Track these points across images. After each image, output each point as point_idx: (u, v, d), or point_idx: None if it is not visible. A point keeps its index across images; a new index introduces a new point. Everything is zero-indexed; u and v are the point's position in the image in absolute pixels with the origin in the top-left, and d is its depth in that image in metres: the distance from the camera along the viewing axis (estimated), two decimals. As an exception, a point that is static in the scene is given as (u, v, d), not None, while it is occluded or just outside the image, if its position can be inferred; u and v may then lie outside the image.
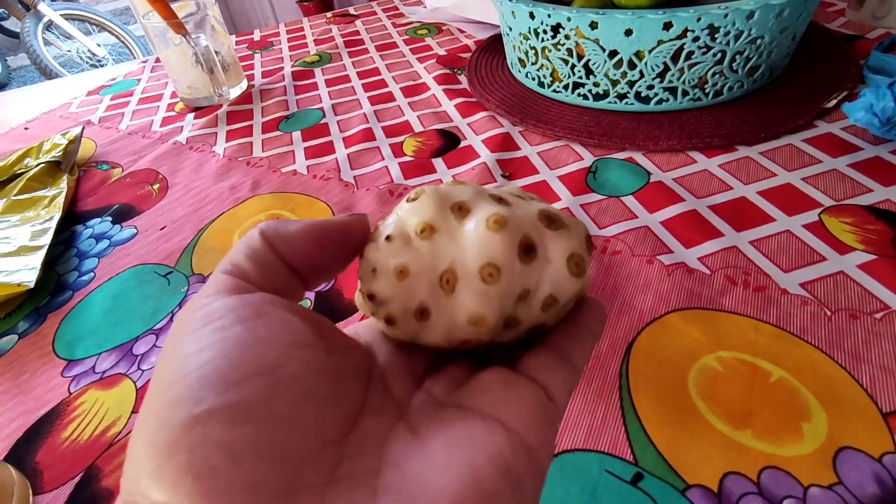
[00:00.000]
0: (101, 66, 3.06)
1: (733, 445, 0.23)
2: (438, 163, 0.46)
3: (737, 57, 0.43)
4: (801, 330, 0.28)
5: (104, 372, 0.32)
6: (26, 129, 0.64)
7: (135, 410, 0.29)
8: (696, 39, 0.41)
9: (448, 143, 0.49)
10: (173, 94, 0.67)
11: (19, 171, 0.52)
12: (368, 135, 0.52)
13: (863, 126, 0.38)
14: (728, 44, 0.42)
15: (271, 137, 0.54)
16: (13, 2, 2.93)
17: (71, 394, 0.31)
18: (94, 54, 3.08)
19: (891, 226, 0.33)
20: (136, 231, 0.43)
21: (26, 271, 0.38)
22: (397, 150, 0.49)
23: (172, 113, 0.63)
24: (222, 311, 0.12)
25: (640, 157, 0.43)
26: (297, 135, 0.54)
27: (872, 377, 0.25)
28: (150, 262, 0.39)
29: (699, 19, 0.40)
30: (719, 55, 0.43)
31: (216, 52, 0.61)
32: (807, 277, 0.31)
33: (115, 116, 0.63)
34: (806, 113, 0.44)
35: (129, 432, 0.28)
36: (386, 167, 0.46)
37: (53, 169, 0.52)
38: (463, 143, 0.48)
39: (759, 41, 0.43)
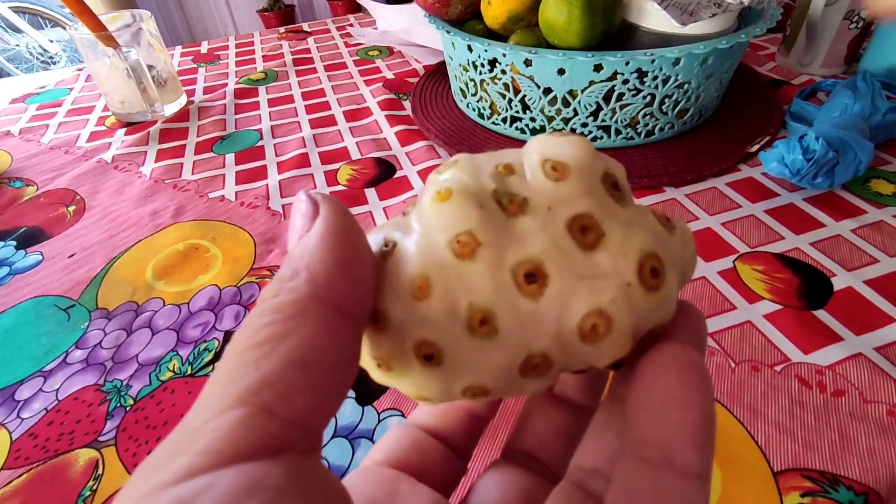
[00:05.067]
0: (54, 63, 2.94)
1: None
2: (371, 193, 0.45)
3: (666, 100, 0.44)
4: (706, 382, 0.28)
5: (-18, 418, 0.29)
6: (-61, 138, 0.60)
7: (5, 465, 0.27)
8: (625, 82, 0.42)
9: (383, 173, 0.48)
10: (105, 108, 0.64)
11: (-78, 186, 0.48)
12: (304, 160, 0.50)
13: (776, 176, 0.39)
14: (657, 87, 0.43)
15: (203, 159, 0.52)
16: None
17: (-59, 444, 0.28)
18: (45, 50, 2.95)
19: (797, 274, 0.34)
20: (41, 258, 0.40)
21: None
22: (331, 178, 0.48)
23: (102, 128, 0.60)
24: None
25: (571, 195, 0.44)
26: (230, 157, 0.52)
27: (767, 434, 0.25)
28: (52, 293, 0.37)
29: (627, 63, 0.41)
30: (649, 97, 0.44)
31: (150, 67, 0.58)
32: (717, 326, 0.31)
33: (38, 128, 0.60)
34: (730, 157, 0.45)
35: (-1, 490, 0.26)
36: (317, 196, 0.45)
37: (-39, 185, 0.48)
38: (398, 174, 0.48)
39: (686, 86, 0.44)
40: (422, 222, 0.10)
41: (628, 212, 0.10)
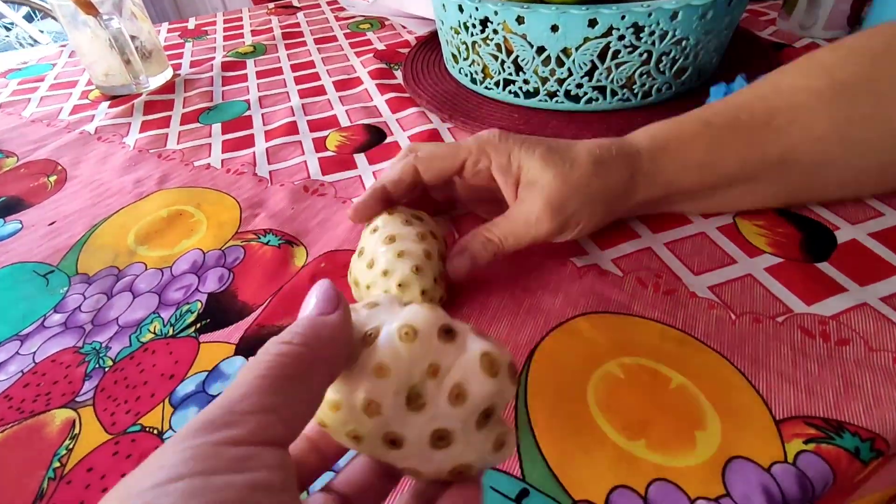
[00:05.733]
0: (44, 54, 2.89)
1: (625, 457, 0.22)
2: (361, 158, 0.44)
3: (663, 58, 0.43)
4: (705, 334, 0.27)
5: (-43, 382, 0.28)
6: (-82, 113, 0.58)
7: (-22, 427, 0.26)
8: (621, 38, 0.41)
9: (373, 139, 0.47)
10: (89, 82, 0.62)
11: None
12: (292, 128, 0.49)
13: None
14: (654, 44, 0.41)
15: (189, 129, 0.51)
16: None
17: (-86, 408, 0.27)
18: (35, 41, 2.91)
19: (799, 229, 0.33)
20: (20, 226, 0.39)
21: None
22: (320, 145, 0.46)
23: (86, 101, 0.58)
24: None
25: (566, 157, 0.42)
26: (216, 127, 0.51)
27: (768, 383, 0.24)
28: (31, 259, 0.36)
29: (623, 17, 0.39)
30: (646, 55, 0.42)
31: (134, 38, 0.57)
32: (716, 280, 0.30)
33: (19, 102, 0.59)
34: (730, 116, 0.44)
35: (-28, 452, 0.25)
36: (305, 162, 0.44)
37: (-61, 157, 0.47)
38: (388, 139, 0.46)
39: (684, 42, 0.42)
40: (367, 367, 0.15)
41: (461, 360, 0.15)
